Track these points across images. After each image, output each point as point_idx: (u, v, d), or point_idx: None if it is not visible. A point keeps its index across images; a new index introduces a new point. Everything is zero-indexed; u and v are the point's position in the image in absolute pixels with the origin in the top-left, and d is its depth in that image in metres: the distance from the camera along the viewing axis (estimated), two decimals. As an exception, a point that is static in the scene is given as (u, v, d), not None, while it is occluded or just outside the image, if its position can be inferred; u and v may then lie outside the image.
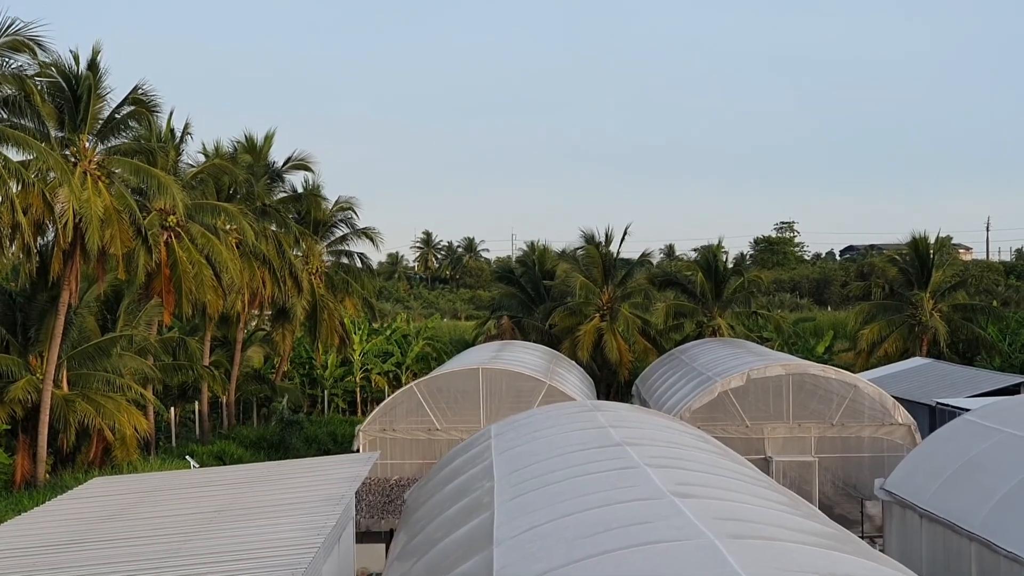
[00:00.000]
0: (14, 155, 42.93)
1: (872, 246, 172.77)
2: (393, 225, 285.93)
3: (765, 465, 44.29)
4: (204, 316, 61.64)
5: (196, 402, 65.66)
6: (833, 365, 60.03)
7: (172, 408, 62.74)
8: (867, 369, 70.88)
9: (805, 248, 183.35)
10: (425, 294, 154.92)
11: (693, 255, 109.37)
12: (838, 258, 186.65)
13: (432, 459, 44.53)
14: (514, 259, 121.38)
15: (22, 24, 40.72)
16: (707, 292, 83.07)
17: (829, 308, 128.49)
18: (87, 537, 21.92)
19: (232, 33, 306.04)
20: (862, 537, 36.41)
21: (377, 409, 47.96)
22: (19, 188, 42.53)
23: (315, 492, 25.18)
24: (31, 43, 41.24)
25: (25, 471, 48.30)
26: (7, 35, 40.45)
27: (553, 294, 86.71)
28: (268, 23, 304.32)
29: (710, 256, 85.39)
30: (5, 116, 43.28)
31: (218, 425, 68.39)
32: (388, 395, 64.35)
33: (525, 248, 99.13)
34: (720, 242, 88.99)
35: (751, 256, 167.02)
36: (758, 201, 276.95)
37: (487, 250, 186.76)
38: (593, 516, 17.93)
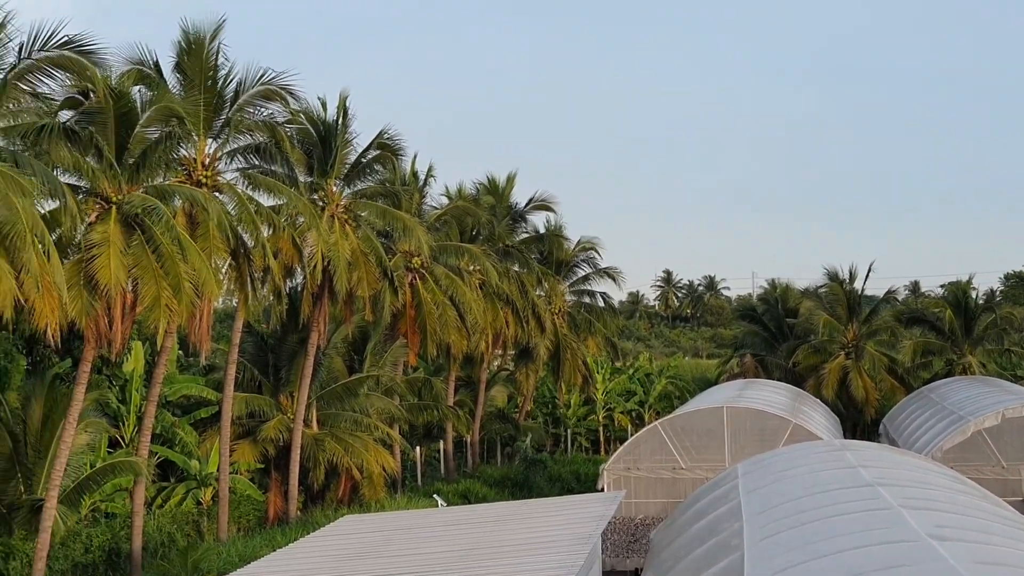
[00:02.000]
0: (266, 200, 44.06)
1: None
2: (633, 264, 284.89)
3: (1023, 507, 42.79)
4: (448, 356, 62.46)
5: (441, 441, 66.41)
6: (1093, 403, 57.71)
7: (418, 447, 63.62)
8: None
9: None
10: (666, 333, 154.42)
11: (940, 292, 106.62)
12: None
13: (676, 498, 44.19)
14: (755, 297, 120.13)
15: (273, 74, 41.81)
16: (956, 329, 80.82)
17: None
18: (340, 573, 22.25)
19: (471, 74, 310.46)
20: None
21: (621, 448, 47.88)
22: (270, 232, 43.59)
23: (562, 531, 25.16)
24: (282, 92, 42.26)
25: (277, 508, 49.50)
26: (259, 84, 41.54)
27: (796, 332, 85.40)
28: (506, 64, 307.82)
29: (959, 292, 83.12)
30: (257, 163, 44.49)
31: (463, 464, 69.05)
32: (631, 434, 64.22)
33: (766, 286, 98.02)
34: (970, 279, 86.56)
35: (1001, 292, 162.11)
36: (1009, 235, 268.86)
37: (727, 288, 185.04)
38: (847, 559, 17.51)
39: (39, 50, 33.18)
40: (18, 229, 29.67)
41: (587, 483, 60.40)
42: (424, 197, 60.97)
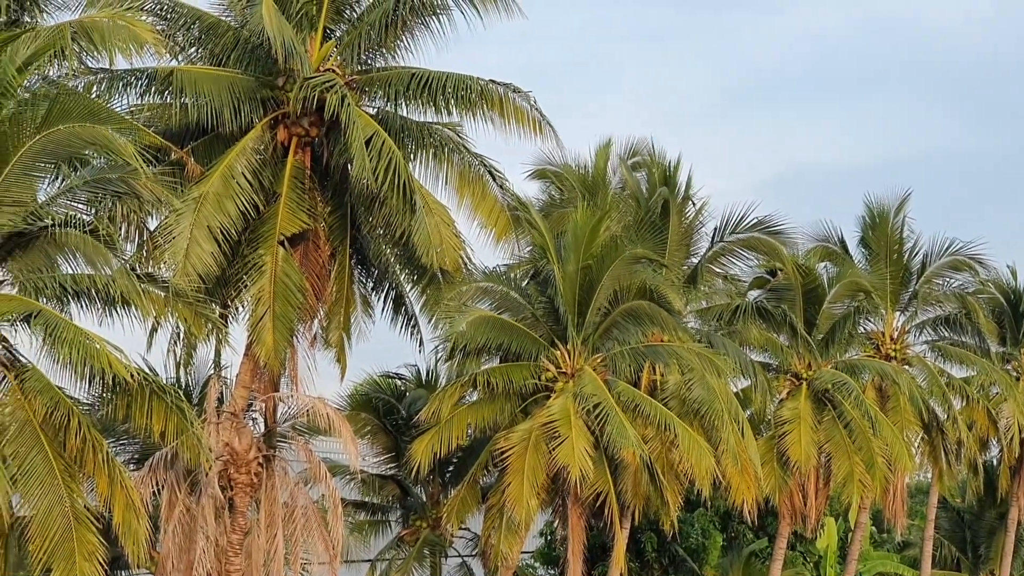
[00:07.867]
0: (956, 371, 43.70)
1: None
2: None
3: None
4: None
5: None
6: None
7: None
8: None
9: None
10: None
11: None
12: None
13: None
14: None
15: (960, 244, 42.00)
16: None
17: None
18: None
19: None
20: None
21: None
22: (962, 404, 43.14)
23: None
24: (971, 262, 42.29)
25: None
26: (947, 255, 41.74)
27: None
28: None
29: None
30: (946, 334, 44.18)
31: None
32: None
33: None
34: None
35: None
36: None
37: None
38: None
39: (731, 233, 34.79)
40: (715, 408, 30.67)
41: None
42: None
